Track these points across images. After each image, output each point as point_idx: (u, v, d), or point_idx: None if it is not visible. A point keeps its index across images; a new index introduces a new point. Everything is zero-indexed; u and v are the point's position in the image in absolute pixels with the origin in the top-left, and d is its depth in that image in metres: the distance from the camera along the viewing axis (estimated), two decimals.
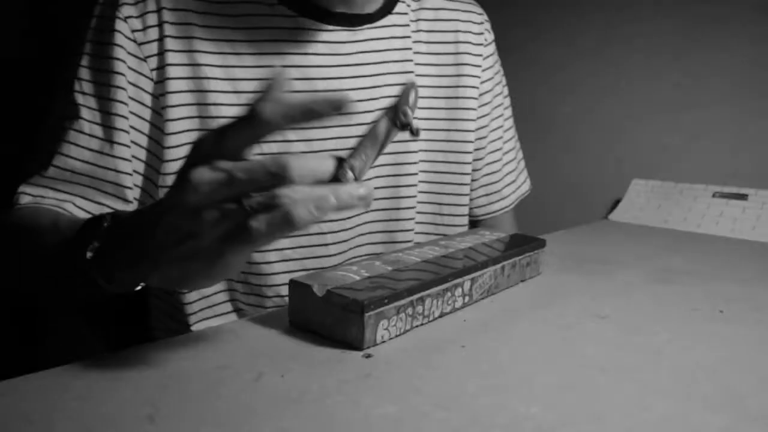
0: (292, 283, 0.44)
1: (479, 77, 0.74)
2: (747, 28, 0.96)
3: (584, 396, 0.36)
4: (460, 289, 0.49)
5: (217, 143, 0.34)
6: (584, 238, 0.82)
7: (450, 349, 0.42)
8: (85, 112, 0.57)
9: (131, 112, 0.58)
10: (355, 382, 0.36)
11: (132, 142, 0.59)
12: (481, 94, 0.75)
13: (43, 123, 0.60)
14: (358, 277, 0.45)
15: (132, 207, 0.59)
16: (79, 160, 0.57)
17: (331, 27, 0.63)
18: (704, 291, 0.58)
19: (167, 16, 0.58)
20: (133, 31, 0.57)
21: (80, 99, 0.57)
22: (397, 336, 0.43)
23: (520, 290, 0.56)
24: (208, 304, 0.65)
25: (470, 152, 0.74)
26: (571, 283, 0.59)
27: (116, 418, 0.31)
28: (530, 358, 0.41)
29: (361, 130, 0.65)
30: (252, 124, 0.33)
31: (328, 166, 0.35)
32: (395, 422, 0.32)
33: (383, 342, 0.42)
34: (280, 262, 0.64)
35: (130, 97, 0.58)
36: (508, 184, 0.82)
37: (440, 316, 0.48)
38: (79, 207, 0.57)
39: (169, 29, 0.58)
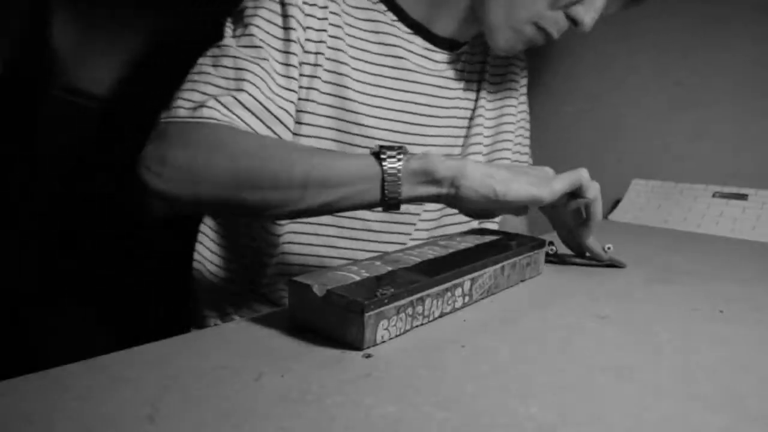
0: (292, 283, 0.44)
1: (518, 99, 0.89)
2: (749, 28, 0.96)
3: (584, 396, 0.36)
4: (460, 289, 0.49)
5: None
6: None
7: (450, 349, 0.42)
8: (269, 58, 0.65)
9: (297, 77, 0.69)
10: (355, 382, 0.36)
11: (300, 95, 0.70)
12: (519, 104, 0.89)
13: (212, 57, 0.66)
14: (358, 277, 0.45)
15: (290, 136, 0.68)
16: (264, 94, 0.64)
17: (436, 48, 0.77)
18: (704, 291, 0.58)
19: (330, 5, 0.69)
20: (304, 3, 0.67)
21: (262, 44, 0.65)
22: (397, 336, 0.43)
23: (520, 290, 0.56)
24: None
25: (510, 150, 0.87)
26: (571, 283, 0.59)
27: (116, 418, 0.31)
28: (530, 358, 0.41)
29: (439, 141, 0.81)
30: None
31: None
32: (395, 422, 0.32)
33: (383, 342, 0.42)
34: (381, 222, 0.75)
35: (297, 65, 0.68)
36: None
37: (440, 316, 0.48)
38: (258, 132, 0.63)
39: (329, 16, 0.69)
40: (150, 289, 0.86)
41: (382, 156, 0.54)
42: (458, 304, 0.49)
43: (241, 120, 0.61)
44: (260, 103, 0.63)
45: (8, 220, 0.79)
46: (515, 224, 0.90)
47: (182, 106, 0.60)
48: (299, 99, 0.69)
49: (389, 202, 0.55)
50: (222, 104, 0.60)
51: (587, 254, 0.66)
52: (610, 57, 1.11)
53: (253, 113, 0.62)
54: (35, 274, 0.79)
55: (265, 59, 0.64)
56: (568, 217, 0.62)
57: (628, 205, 1.01)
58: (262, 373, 0.37)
